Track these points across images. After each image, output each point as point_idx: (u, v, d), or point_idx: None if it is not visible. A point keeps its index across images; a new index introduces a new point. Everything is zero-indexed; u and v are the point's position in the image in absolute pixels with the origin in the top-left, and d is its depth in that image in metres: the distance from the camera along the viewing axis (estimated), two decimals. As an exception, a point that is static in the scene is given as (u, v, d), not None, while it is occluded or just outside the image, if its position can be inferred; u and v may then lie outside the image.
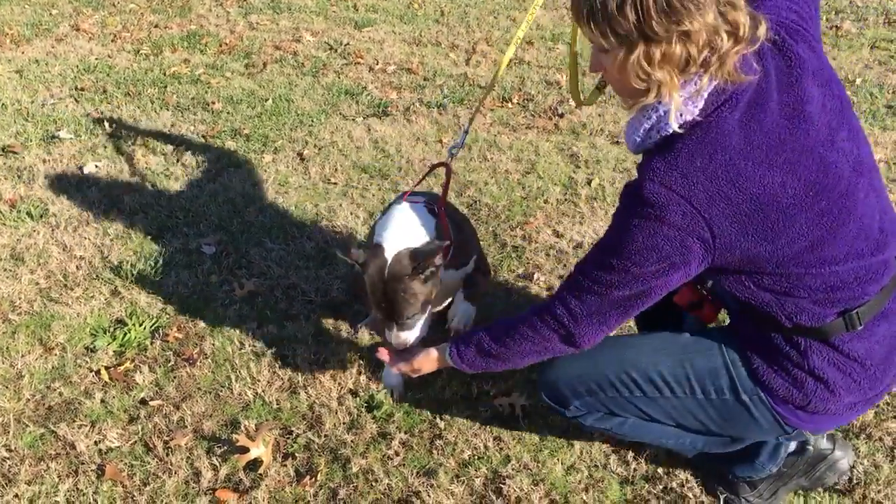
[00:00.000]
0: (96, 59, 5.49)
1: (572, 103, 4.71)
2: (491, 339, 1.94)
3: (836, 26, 6.08)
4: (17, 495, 2.24)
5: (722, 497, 2.17)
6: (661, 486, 2.23)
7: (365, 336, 2.84)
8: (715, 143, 1.57)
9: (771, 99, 1.62)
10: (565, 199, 3.69)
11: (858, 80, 4.93)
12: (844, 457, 2.12)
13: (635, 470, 2.27)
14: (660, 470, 2.27)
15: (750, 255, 1.62)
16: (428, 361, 2.12)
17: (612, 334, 1.92)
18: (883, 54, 5.51)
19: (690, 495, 2.20)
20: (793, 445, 2.12)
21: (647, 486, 2.24)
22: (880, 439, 2.34)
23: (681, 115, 1.59)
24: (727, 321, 2.09)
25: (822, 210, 1.61)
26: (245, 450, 2.32)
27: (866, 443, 2.33)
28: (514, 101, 4.80)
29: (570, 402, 2.03)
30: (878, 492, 2.17)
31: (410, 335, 2.21)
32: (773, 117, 1.60)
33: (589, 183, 3.81)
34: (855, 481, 2.21)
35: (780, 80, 1.65)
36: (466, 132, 2.55)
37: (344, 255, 2.22)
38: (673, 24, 1.48)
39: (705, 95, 1.58)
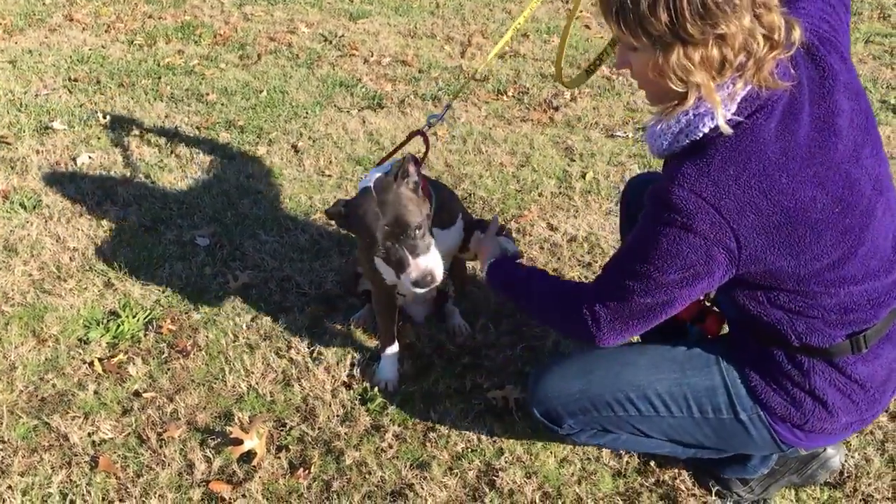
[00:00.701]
0: (90, 49, 5.46)
1: (567, 96, 4.71)
2: (524, 291, 1.97)
3: (831, 21, 6.06)
4: (10, 486, 2.23)
5: (713, 490, 2.19)
6: (653, 479, 2.24)
7: (359, 329, 2.84)
8: (749, 152, 1.53)
9: (803, 110, 1.58)
10: (560, 193, 3.69)
11: (853, 75, 4.93)
12: (836, 455, 2.12)
13: (627, 463, 2.28)
14: (652, 463, 2.28)
15: (773, 269, 1.60)
16: (482, 254, 2.25)
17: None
18: (877, 49, 5.51)
19: (682, 488, 2.21)
20: None
21: (639, 478, 2.25)
22: (871, 433, 2.35)
23: (711, 118, 1.54)
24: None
25: (846, 227, 1.59)
26: (239, 442, 2.32)
27: (857, 436, 2.34)
28: (510, 93, 4.79)
29: (563, 420, 2.00)
30: (869, 485, 2.19)
31: (430, 260, 2.14)
32: (806, 129, 1.57)
33: (583, 176, 3.82)
34: (846, 475, 2.23)
35: (813, 91, 1.61)
36: (449, 106, 2.65)
37: (331, 209, 2.21)
38: (708, 26, 1.44)
39: (738, 100, 1.54)
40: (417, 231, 2.12)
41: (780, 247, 1.56)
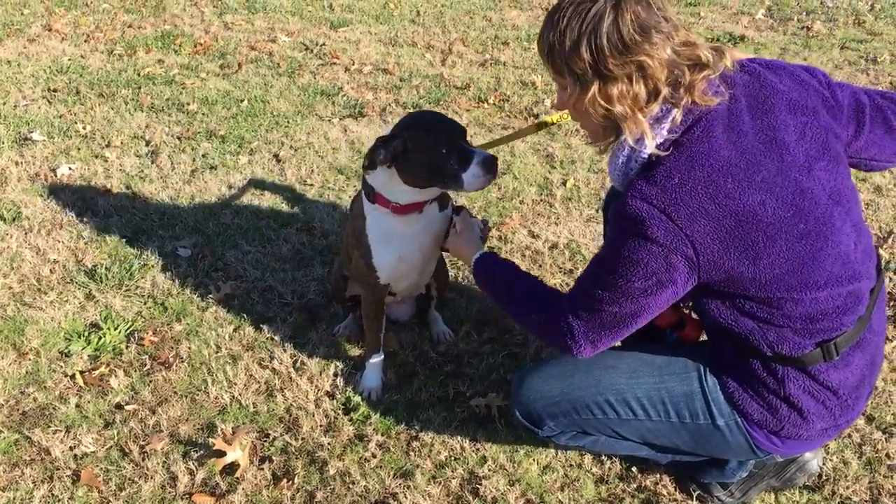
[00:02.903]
0: (69, 59, 5.44)
1: (548, 103, 4.74)
2: (506, 295, 2.03)
3: (807, 27, 6.16)
4: (-9, 502, 2.22)
5: (695, 494, 2.21)
6: (635, 485, 2.26)
7: (342, 339, 2.84)
8: (692, 161, 1.60)
9: (743, 122, 1.65)
10: (541, 200, 3.71)
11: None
12: (814, 458, 2.15)
13: (610, 469, 2.30)
14: (633, 469, 2.29)
15: (733, 275, 1.64)
16: (464, 248, 2.27)
17: None
18: (852, 55, 5.59)
19: (664, 493, 2.23)
20: None
21: (621, 484, 2.26)
22: (849, 436, 2.38)
23: (645, 140, 1.63)
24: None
25: (801, 233, 1.63)
26: (222, 453, 2.32)
27: (835, 439, 2.37)
28: (490, 101, 4.82)
29: (544, 422, 2.04)
30: (847, 487, 2.21)
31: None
32: (748, 139, 1.63)
33: (564, 183, 3.84)
34: (824, 478, 2.25)
35: (752, 106, 1.68)
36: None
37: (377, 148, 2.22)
38: (629, 61, 1.55)
39: (663, 127, 1.63)
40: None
41: (735, 251, 1.61)
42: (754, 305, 1.70)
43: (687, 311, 2.05)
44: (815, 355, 1.74)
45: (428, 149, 2.19)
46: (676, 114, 1.61)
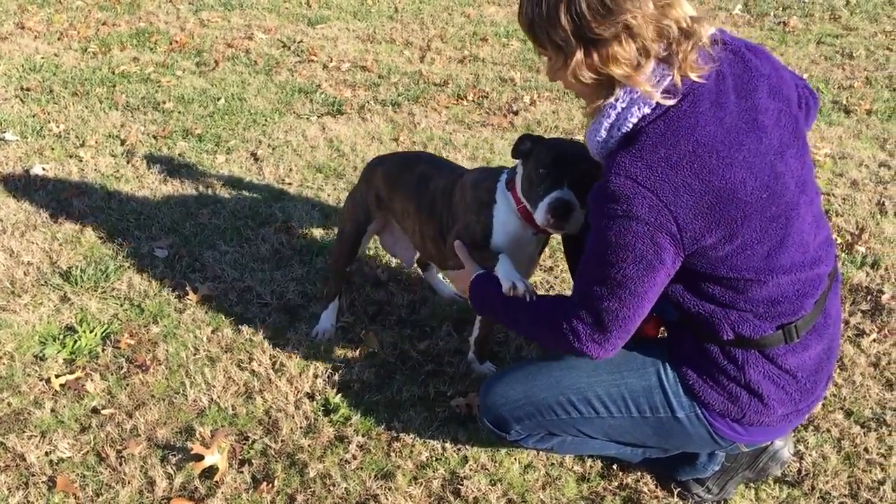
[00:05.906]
0: (42, 57, 5.36)
1: (527, 100, 4.73)
2: (504, 311, 1.98)
3: (784, 22, 6.20)
4: (-36, 510, 2.19)
5: (675, 491, 2.21)
6: (616, 483, 2.26)
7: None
8: (678, 134, 1.58)
9: (729, 99, 1.65)
10: (520, 197, 3.70)
11: (805, 76, 5.03)
12: (784, 446, 2.16)
13: (591, 467, 2.30)
14: (615, 466, 2.30)
15: (709, 254, 1.64)
16: (467, 276, 2.16)
17: (548, 354, 2.01)
18: (829, 49, 5.63)
19: (645, 490, 2.24)
20: None
21: (602, 482, 2.26)
22: (828, 430, 2.40)
23: (639, 108, 1.61)
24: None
25: (773, 215, 1.64)
26: (200, 457, 2.29)
27: (814, 434, 2.38)
28: (469, 98, 4.81)
29: (511, 426, 2.05)
30: (826, 482, 2.23)
31: (572, 199, 2.06)
32: (732, 117, 1.63)
33: (544, 180, 3.83)
34: (804, 472, 2.27)
35: (737, 85, 1.68)
36: None
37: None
38: (613, 22, 1.52)
39: (660, 89, 1.60)
40: (584, 188, 2.00)
41: (715, 229, 1.60)
42: (719, 289, 1.71)
43: None
44: (775, 337, 1.76)
45: (534, 163, 2.15)
46: (675, 74, 1.59)
